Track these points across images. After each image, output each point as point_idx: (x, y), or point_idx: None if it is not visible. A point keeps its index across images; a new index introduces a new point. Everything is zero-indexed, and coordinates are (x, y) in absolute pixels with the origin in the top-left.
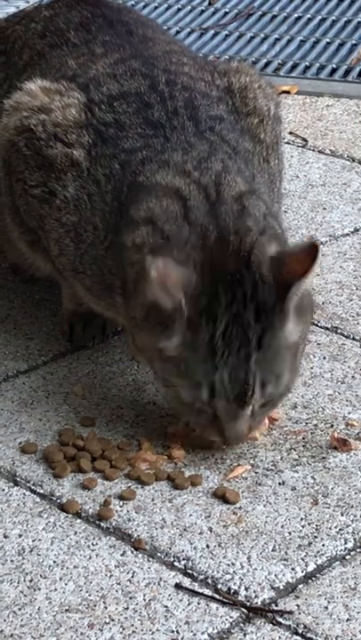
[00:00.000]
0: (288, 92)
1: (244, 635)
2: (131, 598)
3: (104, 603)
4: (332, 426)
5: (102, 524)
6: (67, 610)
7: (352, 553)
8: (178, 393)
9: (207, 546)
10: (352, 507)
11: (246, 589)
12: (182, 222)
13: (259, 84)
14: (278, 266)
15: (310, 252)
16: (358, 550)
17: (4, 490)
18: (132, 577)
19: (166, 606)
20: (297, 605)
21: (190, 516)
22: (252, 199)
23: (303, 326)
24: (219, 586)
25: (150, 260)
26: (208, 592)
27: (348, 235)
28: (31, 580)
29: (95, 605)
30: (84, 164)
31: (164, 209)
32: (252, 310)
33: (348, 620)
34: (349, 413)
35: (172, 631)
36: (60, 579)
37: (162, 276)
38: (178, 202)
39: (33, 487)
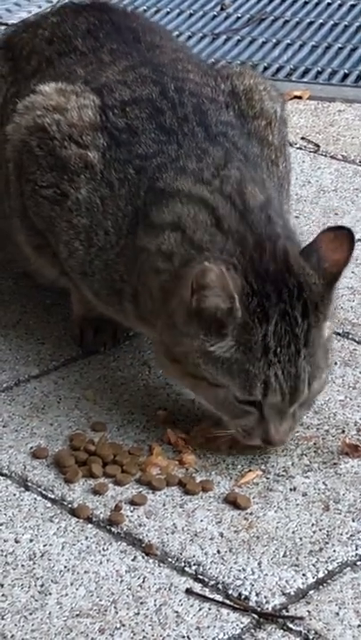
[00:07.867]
0: (300, 98)
1: None
2: (142, 603)
3: (115, 608)
4: (343, 431)
5: (113, 529)
6: (77, 615)
7: None
8: (227, 394)
9: (218, 551)
10: None
11: (257, 595)
12: (215, 231)
13: (264, 87)
14: (318, 261)
15: (344, 237)
16: None
17: (15, 495)
18: (143, 582)
19: (177, 612)
20: (308, 611)
21: (201, 521)
22: (271, 208)
23: (330, 323)
24: (230, 591)
25: (206, 266)
26: (219, 597)
27: (359, 240)
28: (42, 585)
29: (106, 610)
30: (98, 166)
31: (192, 217)
32: (300, 308)
33: (359, 625)
34: None
35: (183, 637)
36: (71, 584)
37: (218, 282)
38: (205, 210)
39: (44, 492)
